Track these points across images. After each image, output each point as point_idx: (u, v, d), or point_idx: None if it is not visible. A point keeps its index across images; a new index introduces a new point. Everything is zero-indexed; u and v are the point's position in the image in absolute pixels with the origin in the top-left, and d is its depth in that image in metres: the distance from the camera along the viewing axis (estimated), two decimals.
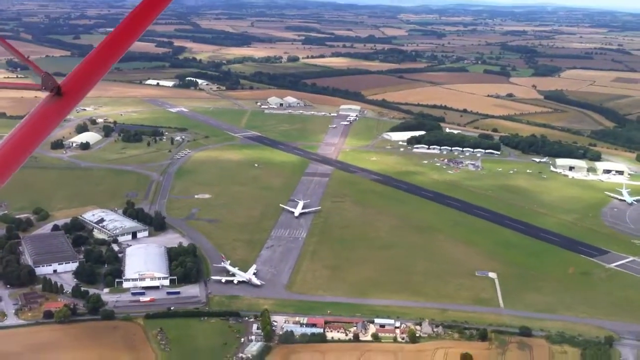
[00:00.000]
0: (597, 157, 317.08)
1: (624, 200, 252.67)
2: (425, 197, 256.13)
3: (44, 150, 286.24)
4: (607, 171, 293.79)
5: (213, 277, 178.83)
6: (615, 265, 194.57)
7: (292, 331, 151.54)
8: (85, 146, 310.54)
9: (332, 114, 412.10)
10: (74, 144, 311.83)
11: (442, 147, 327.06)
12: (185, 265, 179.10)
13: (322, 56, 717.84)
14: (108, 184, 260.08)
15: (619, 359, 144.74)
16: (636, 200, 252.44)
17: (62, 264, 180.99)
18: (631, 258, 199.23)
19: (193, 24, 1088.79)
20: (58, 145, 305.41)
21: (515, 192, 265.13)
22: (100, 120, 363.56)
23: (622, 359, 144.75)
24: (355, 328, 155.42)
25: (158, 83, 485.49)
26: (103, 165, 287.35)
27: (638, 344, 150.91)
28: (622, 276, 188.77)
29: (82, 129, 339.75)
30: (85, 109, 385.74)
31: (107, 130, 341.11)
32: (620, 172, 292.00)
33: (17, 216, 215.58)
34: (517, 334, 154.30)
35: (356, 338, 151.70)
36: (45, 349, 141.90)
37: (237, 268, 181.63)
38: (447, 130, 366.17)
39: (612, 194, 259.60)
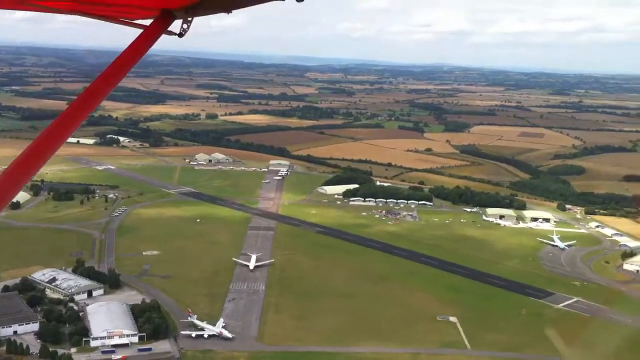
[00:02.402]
0: (523, 206, 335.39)
1: (557, 246, 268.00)
2: (373, 247, 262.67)
3: None
4: (535, 219, 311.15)
5: (182, 332, 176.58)
6: (563, 306, 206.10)
7: None
8: (15, 205, 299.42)
9: (262, 169, 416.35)
10: None
11: (377, 200, 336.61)
12: (153, 321, 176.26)
13: (240, 113, 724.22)
14: (49, 243, 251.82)
15: None
16: (568, 245, 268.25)
17: (22, 324, 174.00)
18: (576, 298, 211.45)
19: None
20: None
21: (455, 240, 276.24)
22: None
23: None
24: None
25: (78, 141, 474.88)
26: (39, 224, 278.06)
27: None
28: (570, 316, 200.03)
29: None
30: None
31: (35, 189, 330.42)
32: (547, 220, 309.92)
33: None
34: None
35: None
36: None
37: (205, 322, 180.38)
38: (378, 183, 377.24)
39: (544, 240, 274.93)
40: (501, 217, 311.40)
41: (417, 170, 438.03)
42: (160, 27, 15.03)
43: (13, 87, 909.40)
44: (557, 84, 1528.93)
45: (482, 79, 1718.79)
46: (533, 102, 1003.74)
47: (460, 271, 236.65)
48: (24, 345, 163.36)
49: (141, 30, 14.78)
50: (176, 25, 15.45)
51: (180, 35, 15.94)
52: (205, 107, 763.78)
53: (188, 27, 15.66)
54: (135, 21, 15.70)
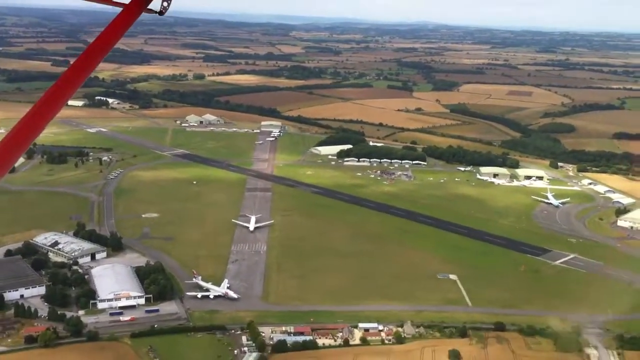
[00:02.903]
0: (516, 165, 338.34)
1: (551, 204, 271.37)
2: (369, 207, 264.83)
3: None
4: (528, 177, 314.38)
5: (188, 294, 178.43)
6: (560, 262, 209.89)
7: (284, 340, 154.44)
8: (10, 169, 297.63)
9: (255, 131, 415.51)
10: None
11: (371, 160, 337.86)
12: (158, 283, 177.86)
13: (227, 73, 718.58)
14: (47, 207, 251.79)
15: (589, 346, 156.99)
16: (562, 203, 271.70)
17: (28, 288, 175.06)
18: (572, 255, 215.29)
19: (84, 42, 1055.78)
20: None
21: (451, 199, 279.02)
22: None
23: (592, 346, 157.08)
24: (342, 333, 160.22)
25: (67, 103, 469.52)
26: (34, 187, 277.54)
27: (601, 332, 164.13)
28: (568, 272, 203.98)
29: None
30: None
31: (28, 152, 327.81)
32: (540, 178, 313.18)
33: None
34: (492, 329, 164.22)
35: (346, 343, 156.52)
36: None
37: (210, 283, 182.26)
38: (371, 143, 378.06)
39: (539, 198, 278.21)
40: (495, 175, 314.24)
41: (408, 130, 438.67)
42: (140, 5, 15.75)
43: None
44: (543, 41, 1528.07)
45: (468, 37, 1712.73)
46: (520, 60, 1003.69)
47: (458, 229, 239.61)
48: (32, 309, 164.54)
49: (121, 9, 15.59)
50: (156, 4, 16.35)
51: (161, 13, 16.81)
52: (191, 68, 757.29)
53: (168, 4, 16.57)
54: None
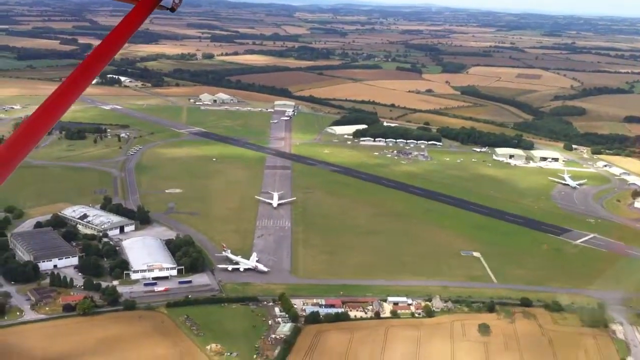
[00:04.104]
0: (531, 146, 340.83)
1: (568, 185, 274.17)
2: (389, 186, 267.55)
3: None
4: (544, 158, 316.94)
5: (219, 266, 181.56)
6: (581, 242, 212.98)
7: (317, 311, 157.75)
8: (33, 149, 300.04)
9: (269, 110, 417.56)
10: None
11: (387, 140, 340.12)
12: (190, 255, 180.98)
13: (236, 53, 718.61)
14: (71, 181, 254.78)
15: (614, 322, 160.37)
16: (578, 184, 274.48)
17: (62, 258, 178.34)
18: (592, 235, 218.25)
19: (90, 21, 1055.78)
20: (1, 143, 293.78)
21: (469, 179, 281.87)
22: None
23: (617, 322, 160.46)
24: (372, 306, 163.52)
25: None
26: (56, 162, 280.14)
27: (625, 309, 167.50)
28: (589, 251, 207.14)
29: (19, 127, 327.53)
30: (13, 107, 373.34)
31: None
32: (556, 159, 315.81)
33: None
34: (519, 305, 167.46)
35: (377, 315, 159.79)
36: (112, 342, 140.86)
37: (239, 256, 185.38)
38: (386, 123, 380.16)
39: (556, 179, 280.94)
40: (511, 156, 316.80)
41: (421, 111, 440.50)
42: (152, 2, 16.10)
43: (1, 27, 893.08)
44: (547, 25, 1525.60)
45: (472, 19, 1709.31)
46: (526, 43, 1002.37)
47: (478, 209, 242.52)
48: (67, 278, 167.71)
49: (134, 5, 16.19)
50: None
51: (172, 9, 17.14)
52: (199, 47, 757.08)
53: (180, 1, 16.95)
54: None
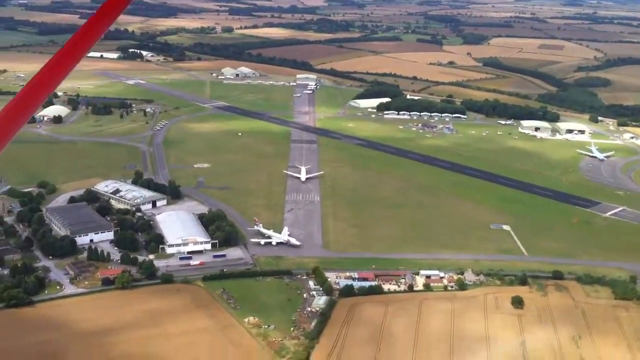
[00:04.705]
0: (556, 119, 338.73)
1: (595, 157, 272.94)
2: (415, 159, 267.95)
3: None
4: (570, 131, 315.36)
5: (252, 240, 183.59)
6: (611, 214, 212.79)
7: (351, 285, 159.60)
8: (57, 120, 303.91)
9: (291, 84, 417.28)
10: (46, 118, 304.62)
11: (411, 113, 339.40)
12: (223, 229, 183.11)
13: (255, 26, 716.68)
14: (101, 157, 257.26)
15: None
16: (606, 157, 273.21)
17: (97, 233, 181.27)
18: (621, 207, 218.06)
19: None
20: (30, 119, 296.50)
21: (496, 152, 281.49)
22: (60, 93, 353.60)
23: None
24: (404, 280, 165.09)
25: (102, 55, 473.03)
26: (85, 138, 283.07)
27: None
28: (619, 224, 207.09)
29: (46, 102, 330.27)
30: None
31: (73, 103, 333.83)
32: (582, 132, 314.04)
33: (25, 190, 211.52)
34: (550, 278, 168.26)
35: (410, 288, 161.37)
36: (154, 315, 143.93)
37: (271, 230, 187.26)
38: (409, 96, 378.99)
39: (583, 152, 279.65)
40: (536, 129, 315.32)
41: (443, 83, 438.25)
42: None
43: (20, 1, 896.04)
44: None
45: None
46: (547, 13, 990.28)
47: (506, 182, 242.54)
48: (105, 253, 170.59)
49: None
50: None
51: None
52: (218, 20, 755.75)
53: None
54: None
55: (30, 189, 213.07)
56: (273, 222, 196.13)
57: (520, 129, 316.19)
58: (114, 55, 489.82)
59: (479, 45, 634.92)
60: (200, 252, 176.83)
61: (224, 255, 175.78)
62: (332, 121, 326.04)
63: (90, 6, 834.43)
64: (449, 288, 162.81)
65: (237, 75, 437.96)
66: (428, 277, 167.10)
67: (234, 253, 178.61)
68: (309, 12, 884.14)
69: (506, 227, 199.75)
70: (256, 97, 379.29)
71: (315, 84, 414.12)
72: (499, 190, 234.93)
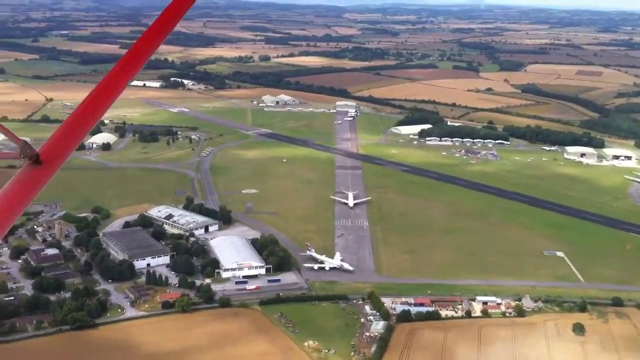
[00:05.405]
0: (601, 145, 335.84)
1: None
2: (461, 185, 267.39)
3: None
4: (616, 157, 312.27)
5: (305, 265, 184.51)
6: None
7: (408, 310, 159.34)
8: (106, 147, 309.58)
9: (331, 111, 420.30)
10: (95, 145, 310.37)
11: (453, 139, 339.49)
12: (277, 254, 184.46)
13: (291, 55, 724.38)
14: (150, 183, 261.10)
15: None
16: None
17: (154, 257, 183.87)
18: None
19: (146, 25, 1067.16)
20: (79, 146, 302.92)
21: (542, 178, 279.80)
22: (107, 121, 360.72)
23: None
24: (462, 305, 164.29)
25: (144, 84, 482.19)
26: (134, 164, 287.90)
27: None
28: None
29: (94, 130, 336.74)
30: None
31: (120, 131, 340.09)
32: (629, 158, 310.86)
33: (80, 215, 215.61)
34: (610, 305, 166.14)
35: (468, 314, 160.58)
36: (216, 338, 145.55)
37: (324, 255, 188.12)
38: (450, 123, 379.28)
39: (631, 178, 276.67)
40: (582, 155, 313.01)
41: (483, 110, 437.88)
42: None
43: (62, 32, 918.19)
44: (600, 21, 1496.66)
45: (524, 16, 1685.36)
46: (582, 40, 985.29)
47: (555, 208, 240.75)
48: (163, 277, 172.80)
49: None
50: None
51: None
52: (255, 50, 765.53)
53: None
54: None
55: (85, 214, 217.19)
56: (324, 247, 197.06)
57: (565, 155, 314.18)
58: (157, 84, 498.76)
59: (516, 72, 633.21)
60: (255, 276, 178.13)
61: (278, 280, 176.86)
62: (375, 147, 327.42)
63: (129, 36, 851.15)
64: (507, 314, 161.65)
65: (277, 102, 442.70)
66: (485, 303, 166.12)
67: (288, 278, 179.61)
68: (343, 41, 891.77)
69: (560, 254, 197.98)
70: (297, 124, 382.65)
71: (355, 111, 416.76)
72: (548, 217, 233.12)
